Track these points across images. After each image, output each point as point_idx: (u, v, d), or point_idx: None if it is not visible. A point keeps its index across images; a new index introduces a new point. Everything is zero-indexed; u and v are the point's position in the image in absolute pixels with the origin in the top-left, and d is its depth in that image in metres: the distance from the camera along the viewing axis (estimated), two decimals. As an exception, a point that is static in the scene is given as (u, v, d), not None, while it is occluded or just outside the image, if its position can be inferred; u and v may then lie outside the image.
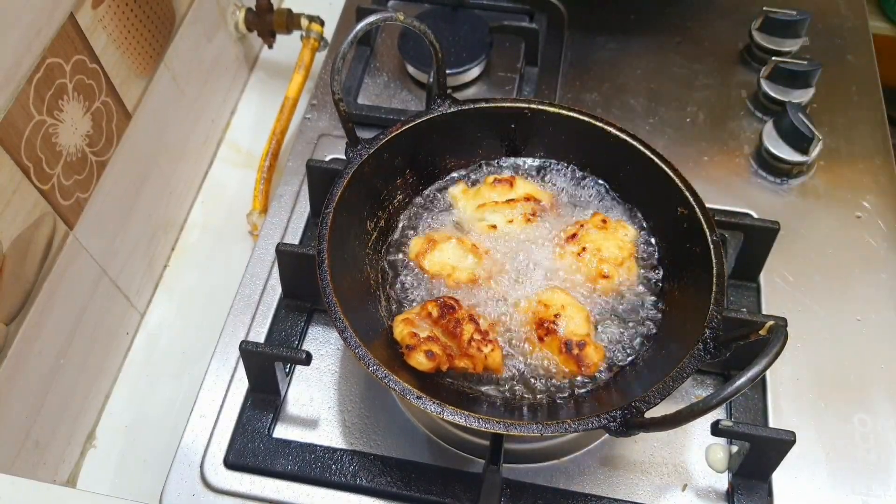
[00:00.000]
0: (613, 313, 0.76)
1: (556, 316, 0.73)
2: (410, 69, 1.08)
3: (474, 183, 0.86)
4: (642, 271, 0.78)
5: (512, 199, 0.81)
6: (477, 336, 0.72)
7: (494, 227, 0.80)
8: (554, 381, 0.72)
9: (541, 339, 0.73)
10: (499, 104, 0.83)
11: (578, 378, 0.72)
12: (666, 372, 0.65)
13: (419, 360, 0.70)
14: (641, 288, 0.78)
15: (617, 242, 0.78)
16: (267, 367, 0.79)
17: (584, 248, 0.77)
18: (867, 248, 0.92)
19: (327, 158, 1.00)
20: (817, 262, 0.91)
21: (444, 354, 0.71)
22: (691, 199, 0.75)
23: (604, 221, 0.79)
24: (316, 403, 0.82)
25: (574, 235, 0.78)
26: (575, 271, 0.77)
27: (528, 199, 0.82)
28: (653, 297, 0.77)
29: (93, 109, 0.84)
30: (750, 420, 0.80)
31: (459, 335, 0.71)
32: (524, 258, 0.79)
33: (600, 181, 0.84)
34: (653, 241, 0.80)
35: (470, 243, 0.79)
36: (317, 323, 0.88)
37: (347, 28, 1.14)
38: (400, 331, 0.72)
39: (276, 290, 0.89)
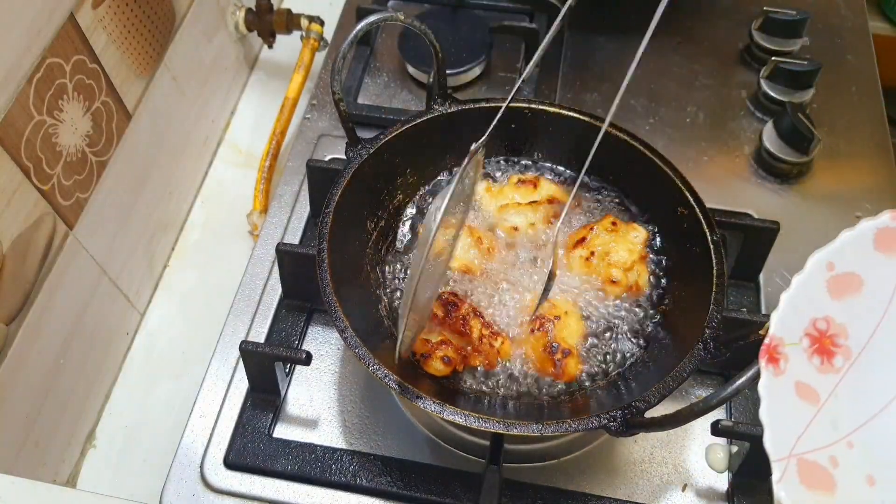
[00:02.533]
0: (615, 316, 0.76)
1: (555, 318, 0.73)
2: (410, 69, 1.08)
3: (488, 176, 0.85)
4: (651, 276, 0.78)
5: (535, 202, 0.81)
6: (486, 331, 0.72)
7: (516, 228, 0.80)
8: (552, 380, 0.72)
9: (532, 331, 0.73)
10: (499, 104, 0.83)
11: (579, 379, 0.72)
12: (666, 372, 0.65)
13: (436, 367, 0.70)
14: (646, 289, 0.77)
15: (627, 245, 0.77)
16: (267, 367, 0.79)
17: (592, 253, 0.76)
18: (867, 248, 0.93)
19: (327, 158, 1.00)
20: (817, 262, 0.91)
21: (458, 356, 0.71)
22: (691, 200, 0.75)
23: (614, 224, 0.78)
24: (316, 403, 0.82)
25: (583, 239, 0.78)
26: (583, 276, 0.77)
27: (550, 201, 0.81)
28: (654, 298, 0.77)
29: (93, 109, 0.84)
30: (750, 420, 0.80)
31: (468, 333, 0.71)
32: (539, 261, 0.78)
33: (605, 183, 0.84)
34: (654, 243, 0.80)
35: (477, 234, 0.78)
36: (317, 323, 0.88)
37: (347, 28, 1.14)
38: None
39: (276, 290, 0.89)
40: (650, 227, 0.80)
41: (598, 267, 0.76)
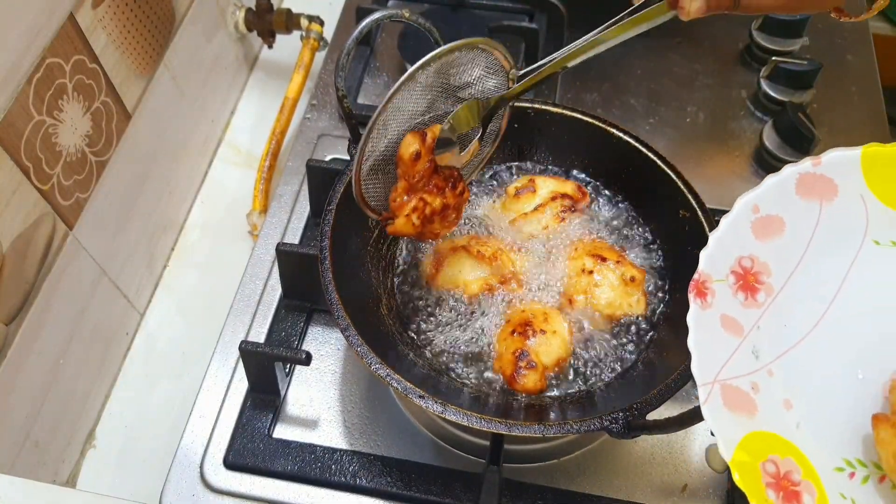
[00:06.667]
0: (612, 319, 0.76)
1: (541, 331, 0.72)
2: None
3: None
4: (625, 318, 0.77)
5: (539, 206, 0.81)
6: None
7: (533, 236, 0.80)
8: (560, 379, 0.72)
9: (512, 332, 0.73)
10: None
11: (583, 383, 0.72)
12: (668, 374, 0.65)
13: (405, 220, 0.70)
14: (642, 292, 0.77)
15: (615, 294, 0.76)
16: (267, 367, 0.79)
17: (591, 272, 0.76)
18: (867, 248, 0.93)
19: (327, 158, 1.00)
20: (817, 263, 0.91)
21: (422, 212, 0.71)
22: (693, 202, 0.75)
23: (617, 262, 0.76)
24: (316, 403, 0.82)
25: (603, 259, 0.77)
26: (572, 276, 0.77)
27: (553, 198, 0.81)
28: (654, 301, 0.77)
29: (92, 109, 0.84)
30: (750, 420, 0.80)
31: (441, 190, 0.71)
32: (549, 264, 0.79)
33: (607, 184, 0.84)
34: (655, 244, 0.80)
35: (475, 250, 0.78)
36: (317, 323, 0.88)
37: (347, 28, 1.14)
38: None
39: (276, 290, 0.89)
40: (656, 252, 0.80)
41: (577, 284, 0.76)
